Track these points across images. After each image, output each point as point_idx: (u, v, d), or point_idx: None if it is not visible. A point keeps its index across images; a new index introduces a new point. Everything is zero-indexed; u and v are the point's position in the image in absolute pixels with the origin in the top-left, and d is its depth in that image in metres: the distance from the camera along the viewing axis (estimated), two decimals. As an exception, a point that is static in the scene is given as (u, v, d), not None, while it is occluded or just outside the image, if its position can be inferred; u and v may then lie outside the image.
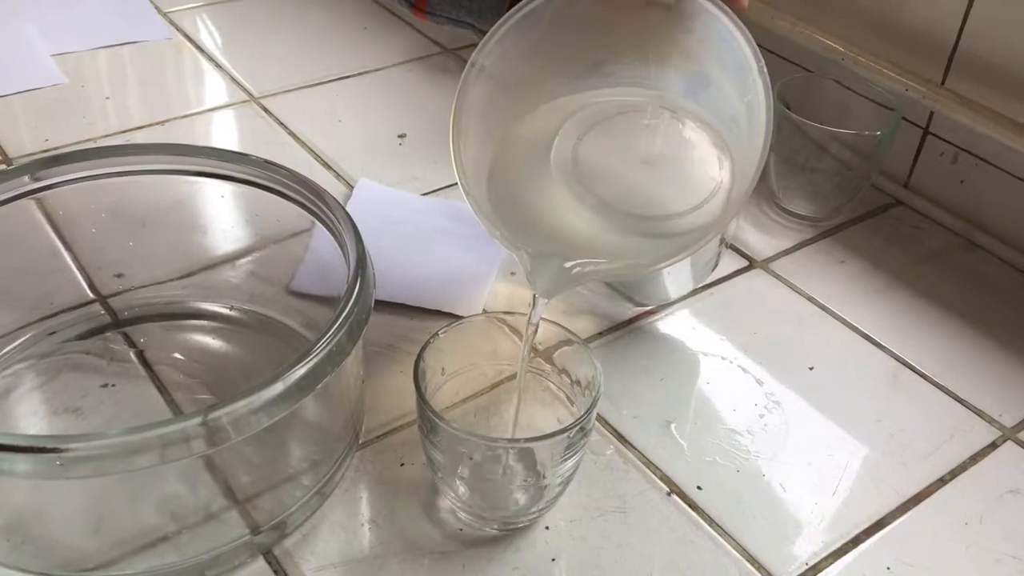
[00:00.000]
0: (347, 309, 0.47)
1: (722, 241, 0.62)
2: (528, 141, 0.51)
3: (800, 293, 0.68)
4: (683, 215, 0.51)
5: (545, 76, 0.51)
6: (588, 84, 0.52)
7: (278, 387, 0.43)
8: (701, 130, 0.51)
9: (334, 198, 0.53)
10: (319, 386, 0.44)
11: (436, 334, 0.50)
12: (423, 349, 0.49)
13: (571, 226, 0.50)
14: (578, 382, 0.52)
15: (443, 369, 0.52)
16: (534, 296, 0.49)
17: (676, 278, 0.63)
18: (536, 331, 0.50)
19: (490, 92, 0.50)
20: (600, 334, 0.63)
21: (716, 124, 0.49)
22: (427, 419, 0.47)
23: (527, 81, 0.51)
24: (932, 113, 0.74)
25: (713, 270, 0.64)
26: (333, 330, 0.46)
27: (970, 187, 0.74)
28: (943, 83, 0.73)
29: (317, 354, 0.44)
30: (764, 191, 0.75)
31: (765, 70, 0.45)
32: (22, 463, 0.39)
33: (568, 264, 0.49)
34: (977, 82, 0.70)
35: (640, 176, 0.52)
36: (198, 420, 0.41)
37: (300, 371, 0.44)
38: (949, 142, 0.74)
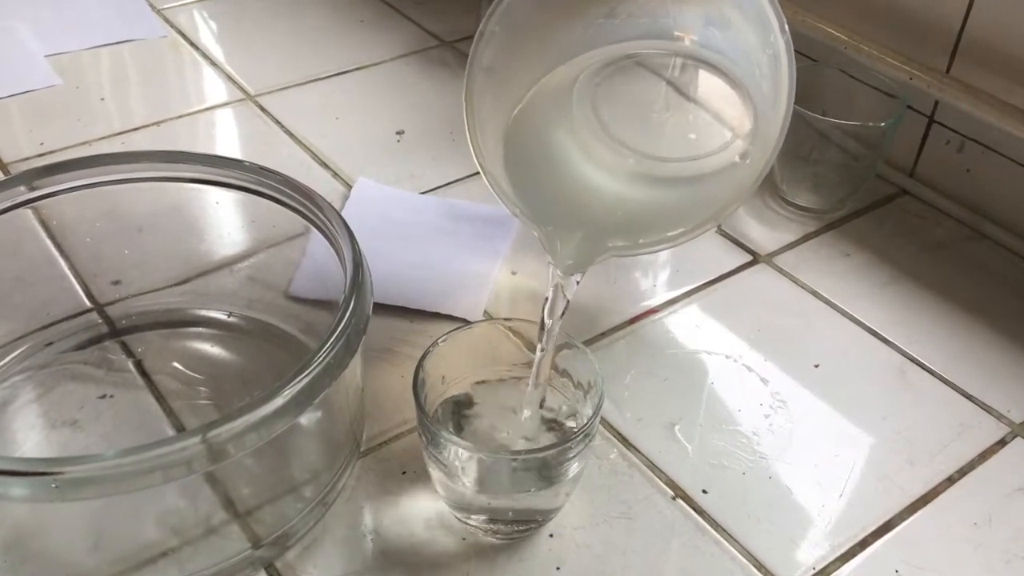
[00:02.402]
0: (345, 319, 0.46)
1: None
2: (545, 105, 0.49)
3: (804, 288, 0.67)
4: (709, 158, 0.50)
5: (558, 32, 0.50)
6: (603, 36, 0.50)
7: (277, 402, 0.43)
8: (722, 78, 0.49)
9: (328, 202, 0.53)
10: (318, 399, 0.44)
11: (436, 342, 0.50)
12: (422, 358, 0.49)
13: (596, 187, 0.49)
14: (580, 385, 0.51)
15: (443, 377, 0.51)
16: (554, 282, 0.48)
17: None
18: (560, 322, 0.48)
19: (502, 59, 0.49)
20: (603, 334, 0.62)
21: (738, 70, 0.48)
22: (427, 431, 0.47)
23: (539, 41, 0.50)
24: (937, 102, 0.73)
25: None
26: (331, 341, 0.45)
27: (977, 176, 0.73)
28: (948, 71, 0.71)
29: (316, 367, 0.44)
30: (767, 183, 0.74)
31: (787, 28, 0.44)
32: (17, 487, 0.39)
33: (593, 234, 0.48)
34: (983, 69, 0.69)
35: (662, 123, 0.51)
36: (197, 439, 0.41)
37: (299, 385, 0.43)
38: (955, 130, 0.73)
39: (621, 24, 0.51)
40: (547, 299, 0.48)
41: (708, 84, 0.50)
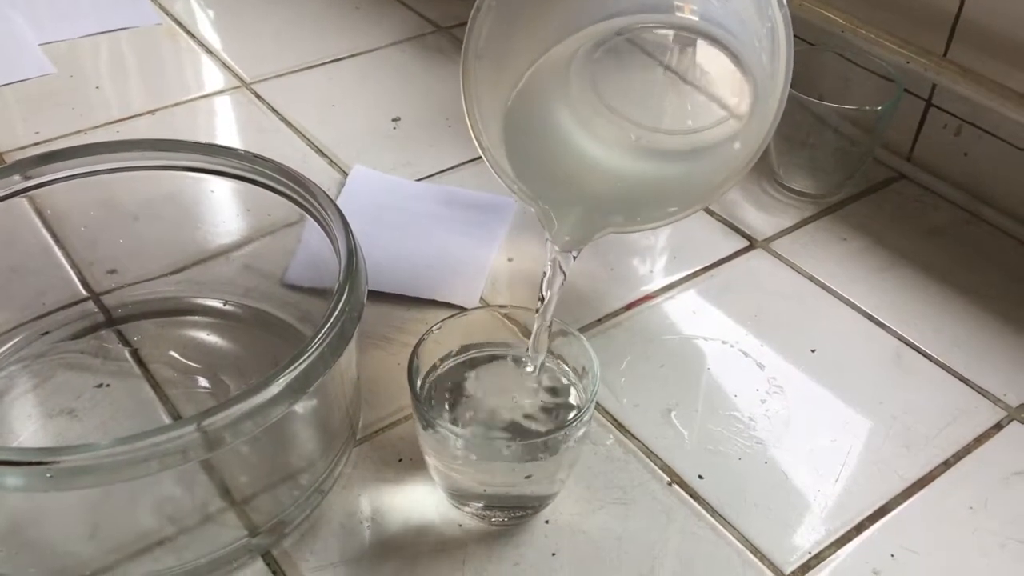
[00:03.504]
0: (339, 307, 0.46)
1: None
2: (544, 82, 0.49)
3: (801, 273, 0.67)
4: (707, 131, 0.50)
5: (554, 5, 0.50)
6: (601, 9, 0.50)
7: (272, 390, 0.43)
8: (721, 50, 0.49)
9: (322, 190, 0.53)
10: (313, 387, 0.44)
11: (431, 329, 0.50)
12: (417, 345, 0.49)
13: (594, 162, 0.49)
14: (576, 371, 0.51)
15: (436, 366, 0.51)
16: (552, 257, 0.48)
17: None
18: (558, 296, 0.49)
19: (500, 33, 0.49)
20: (599, 321, 0.62)
21: (736, 42, 0.48)
22: (423, 417, 0.47)
23: (536, 14, 0.50)
24: (935, 85, 0.73)
25: None
26: (326, 329, 0.45)
27: (974, 159, 0.73)
28: (945, 54, 0.71)
29: (310, 355, 0.44)
30: (764, 168, 0.74)
31: (786, 2, 0.44)
32: (12, 477, 0.39)
33: (591, 210, 0.48)
34: (980, 52, 0.69)
35: (660, 97, 0.51)
36: (192, 427, 0.41)
37: (294, 373, 0.43)
38: (952, 114, 0.73)
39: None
40: (545, 274, 0.48)
41: (707, 57, 0.50)
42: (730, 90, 0.49)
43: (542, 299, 0.49)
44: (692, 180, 0.49)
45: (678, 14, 0.49)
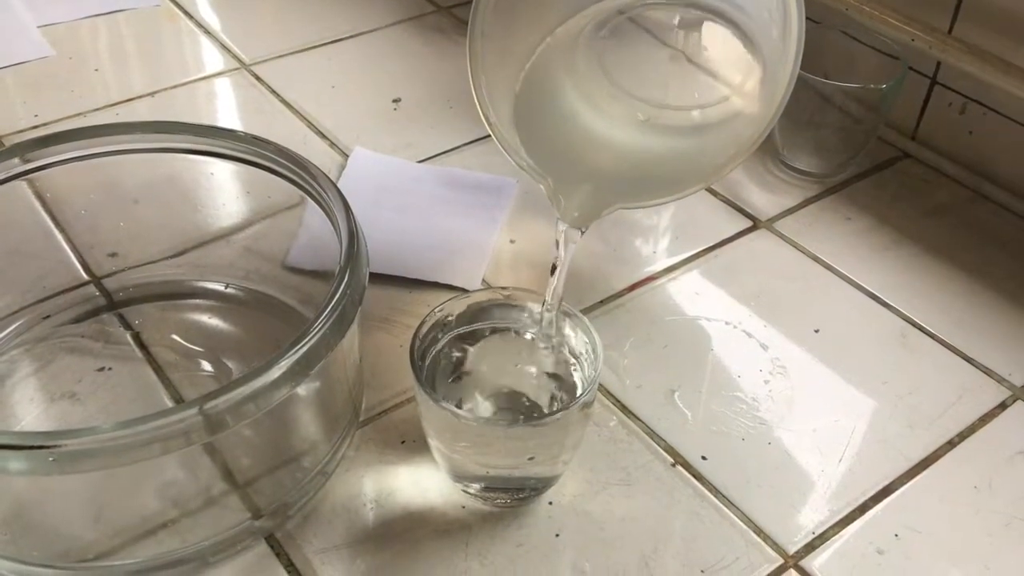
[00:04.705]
0: (340, 289, 0.46)
1: None
2: (553, 60, 0.49)
3: (805, 253, 0.66)
4: (714, 107, 0.50)
5: None
6: None
7: (274, 372, 0.42)
8: (729, 27, 0.49)
9: (323, 172, 0.52)
10: (315, 369, 0.44)
11: (432, 311, 0.50)
12: (419, 327, 0.49)
13: (603, 140, 0.49)
14: (578, 352, 0.51)
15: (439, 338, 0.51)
16: (561, 231, 0.48)
17: None
18: (565, 275, 0.49)
19: (505, 9, 0.48)
20: (601, 302, 0.62)
21: (744, 16, 0.47)
22: (425, 400, 0.46)
23: None
24: (939, 63, 0.72)
25: None
26: (327, 312, 0.45)
27: (979, 138, 0.73)
28: (950, 31, 0.70)
29: (312, 337, 0.44)
30: (768, 148, 0.74)
31: None
32: (14, 461, 0.39)
33: (599, 187, 0.48)
34: (985, 29, 0.68)
35: (668, 73, 0.51)
36: (194, 410, 0.41)
37: (295, 355, 0.43)
38: (957, 92, 0.73)
39: None
40: (557, 241, 0.49)
41: (713, 35, 0.50)
42: (737, 68, 0.49)
43: (553, 270, 0.49)
44: (700, 157, 0.49)
45: None
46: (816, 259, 0.66)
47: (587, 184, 0.49)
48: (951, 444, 0.54)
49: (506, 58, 0.49)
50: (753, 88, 0.48)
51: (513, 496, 0.50)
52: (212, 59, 0.84)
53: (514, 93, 0.49)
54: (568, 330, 0.51)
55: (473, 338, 0.51)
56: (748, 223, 0.69)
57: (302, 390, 0.47)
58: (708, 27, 0.49)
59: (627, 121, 0.50)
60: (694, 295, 0.63)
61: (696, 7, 0.49)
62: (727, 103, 0.50)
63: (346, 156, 0.73)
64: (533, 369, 0.50)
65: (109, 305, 0.59)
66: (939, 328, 0.61)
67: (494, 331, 0.52)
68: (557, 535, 0.49)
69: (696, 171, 0.49)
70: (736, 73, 0.49)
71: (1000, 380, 0.58)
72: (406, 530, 0.49)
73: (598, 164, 0.50)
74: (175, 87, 0.80)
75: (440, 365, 0.50)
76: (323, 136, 0.75)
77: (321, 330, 0.44)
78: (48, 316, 0.58)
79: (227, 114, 0.79)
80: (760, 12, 0.47)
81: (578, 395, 0.49)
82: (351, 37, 0.87)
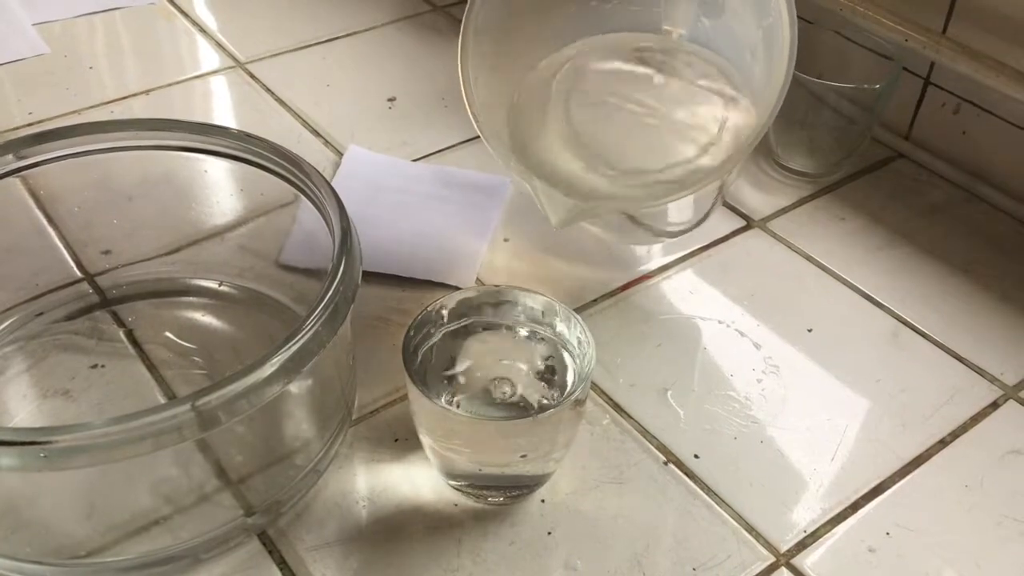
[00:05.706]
0: (333, 287, 0.46)
1: (719, 196, 0.61)
2: (532, 96, 0.50)
3: (799, 253, 0.67)
4: (683, 164, 0.50)
5: (551, 8, 0.50)
6: (596, 22, 0.51)
7: (266, 369, 0.42)
8: (707, 72, 0.50)
9: (316, 170, 0.52)
10: (307, 367, 0.44)
11: (425, 308, 0.50)
12: (412, 323, 0.49)
13: (581, 176, 0.50)
14: (571, 350, 0.51)
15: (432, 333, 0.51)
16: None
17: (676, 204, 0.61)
18: None
19: (500, 12, 0.49)
20: (594, 301, 0.62)
21: (726, 63, 0.48)
22: (417, 396, 0.47)
23: (533, 11, 0.50)
24: (933, 63, 0.72)
25: (712, 207, 0.62)
26: (320, 310, 0.45)
27: (972, 138, 0.73)
28: (944, 32, 0.71)
29: (304, 335, 0.44)
30: (762, 148, 0.74)
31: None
32: (6, 457, 0.38)
33: (575, 201, 0.49)
34: (979, 30, 0.68)
35: (638, 128, 0.52)
36: (187, 407, 0.41)
37: (287, 353, 0.43)
38: (951, 92, 0.73)
39: (613, 10, 0.51)
40: None
41: (691, 76, 0.50)
42: (713, 108, 0.50)
43: None
44: (674, 191, 0.50)
45: (665, 37, 0.50)
46: (809, 259, 0.66)
47: (570, 201, 0.51)
48: (943, 443, 0.54)
49: (500, 63, 0.50)
50: (729, 136, 0.49)
51: (506, 494, 0.50)
52: (207, 57, 0.84)
53: (511, 103, 0.50)
54: (562, 327, 0.51)
55: (466, 335, 0.51)
56: (742, 223, 0.69)
57: (295, 387, 0.47)
58: (686, 67, 0.50)
59: (595, 172, 0.51)
60: (688, 294, 0.63)
61: (678, 53, 0.50)
62: (688, 164, 0.50)
63: (340, 154, 0.73)
64: (525, 366, 0.50)
65: (102, 302, 0.59)
66: (931, 328, 0.61)
67: (487, 328, 0.52)
68: (549, 533, 0.49)
69: (669, 195, 0.50)
70: (712, 117, 0.50)
71: (992, 379, 0.58)
72: (399, 528, 0.49)
73: (580, 189, 0.51)
74: (170, 85, 0.80)
75: (432, 362, 0.50)
76: (318, 134, 0.75)
77: (314, 327, 0.44)
78: (41, 313, 0.58)
79: (222, 112, 0.79)
80: (741, 54, 0.48)
81: (567, 393, 0.49)
82: (346, 36, 0.87)
